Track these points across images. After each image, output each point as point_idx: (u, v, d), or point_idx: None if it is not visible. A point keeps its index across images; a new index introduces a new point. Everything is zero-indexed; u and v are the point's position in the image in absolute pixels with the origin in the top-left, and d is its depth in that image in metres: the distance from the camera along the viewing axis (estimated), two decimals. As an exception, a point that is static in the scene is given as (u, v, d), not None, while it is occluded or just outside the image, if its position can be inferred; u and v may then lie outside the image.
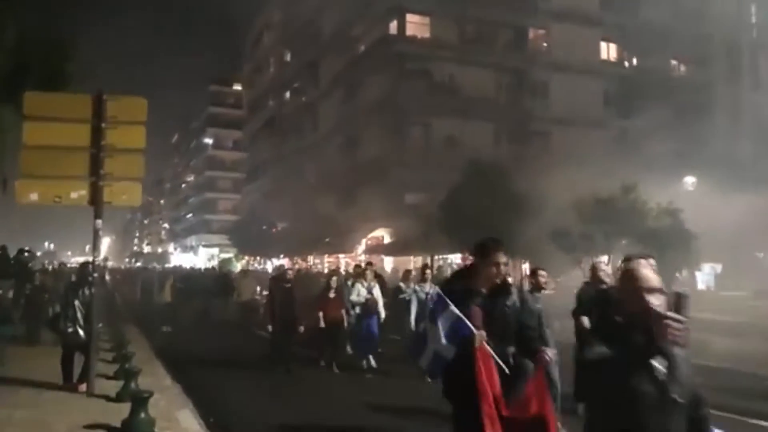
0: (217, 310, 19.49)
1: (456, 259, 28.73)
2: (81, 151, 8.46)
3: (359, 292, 11.77)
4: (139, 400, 6.34)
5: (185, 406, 7.92)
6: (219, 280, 19.75)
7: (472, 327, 4.03)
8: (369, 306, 11.63)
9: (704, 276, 27.16)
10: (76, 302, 8.44)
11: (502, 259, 4.23)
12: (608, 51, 40.32)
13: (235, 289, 18.64)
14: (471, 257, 4.97)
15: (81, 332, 8.44)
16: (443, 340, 4.07)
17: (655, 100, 37.57)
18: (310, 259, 42.33)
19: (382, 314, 11.84)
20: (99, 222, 8.34)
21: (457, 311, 4.06)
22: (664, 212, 15.33)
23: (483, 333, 4.03)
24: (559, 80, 36.82)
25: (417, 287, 11.16)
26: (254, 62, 62.32)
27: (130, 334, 13.15)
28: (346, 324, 11.78)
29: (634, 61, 40.97)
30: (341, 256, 38.43)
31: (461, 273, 4.78)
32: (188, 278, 21.00)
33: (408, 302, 11.64)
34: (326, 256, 39.58)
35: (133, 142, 8.60)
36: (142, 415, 6.27)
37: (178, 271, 26.79)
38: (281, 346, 11.00)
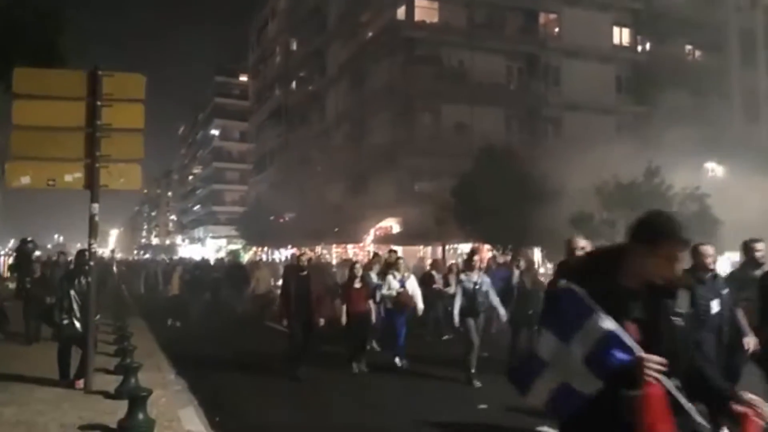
0: (230, 302, 18.73)
1: (466, 248, 28.13)
2: (75, 131, 7.92)
3: (390, 285, 10.53)
4: (137, 399, 5.80)
5: (188, 404, 7.40)
6: (232, 271, 18.82)
7: (637, 348, 2.50)
8: (401, 300, 10.48)
9: (721, 265, 26.38)
10: (72, 292, 7.91)
11: (682, 247, 2.65)
12: (621, 36, 39.43)
13: (252, 280, 17.92)
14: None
15: (77, 324, 7.92)
16: (581, 366, 2.57)
17: (669, 86, 36.86)
18: (318, 249, 41.79)
19: (420, 308, 10.86)
20: (95, 206, 7.80)
21: (612, 324, 2.52)
22: (689, 197, 14.67)
23: (657, 359, 2.48)
24: (571, 66, 36.03)
25: (463, 276, 9.65)
26: (260, 52, 61.66)
27: (134, 327, 12.59)
28: (373, 319, 10.69)
29: (647, 46, 40.09)
30: (349, 246, 37.90)
31: (597, 262, 2.85)
32: (197, 270, 19.68)
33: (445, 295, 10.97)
34: (334, 246, 39.02)
35: (132, 121, 8.04)
36: (140, 416, 5.73)
37: (185, 262, 25.80)
38: (301, 344, 9.67)
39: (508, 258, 17.76)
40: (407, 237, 30.53)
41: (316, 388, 9.03)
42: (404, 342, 10.54)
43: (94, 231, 7.86)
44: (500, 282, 13.23)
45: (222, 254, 55.97)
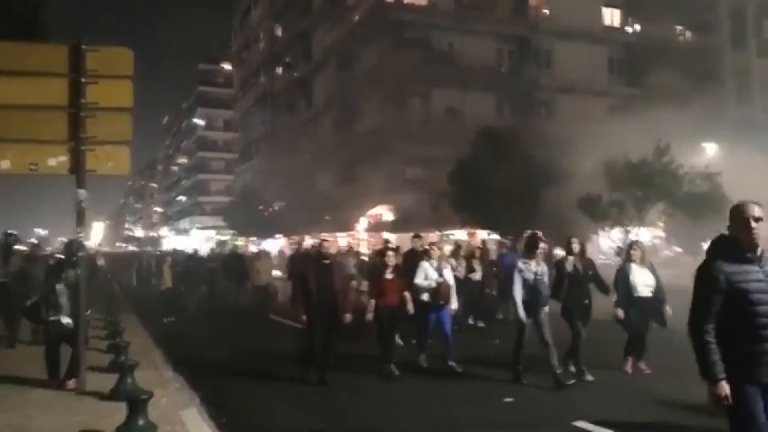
0: (228, 295, 17.70)
1: (462, 234, 27.66)
2: (58, 111, 7.28)
3: (427, 275, 9.15)
4: (137, 403, 5.23)
5: (190, 404, 6.81)
6: (230, 262, 17.61)
7: None
8: (441, 293, 9.05)
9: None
10: (59, 286, 7.28)
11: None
12: (611, 17, 38.98)
13: (252, 271, 16.84)
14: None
15: (66, 320, 7.31)
16: None
17: (661, 66, 36.56)
18: (308, 238, 41.15)
19: (454, 304, 9.44)
20: (82, 193, 7.18)
21: None
22: (700, 176, 14.19)
23: None
24: (562, 48, 35.54)
25: (521, 264, 8.16)
26: (243, 38, 60.61)
27: (126, 322, 11.93)
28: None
29: (638, 27, 39.68)
30: (340, 234, 37.31)
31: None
32: (190, 261, 18.38)
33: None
34: (324, 234, 38.41)
35: (119, 99, 7.41)
36: (141, 421, 5.16)
37: (176, 253, 24.40)
38: (323, 346, 8.31)
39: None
40: (401, 224, 29.99)
41: (327, 387, 8.22)
42: (453, 338, 9.28)
43: (81, 219, 7.24)
44: (505, 269, 12.72)
45: (211, 245, 55.23)
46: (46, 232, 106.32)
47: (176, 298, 16.17)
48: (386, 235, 31.00)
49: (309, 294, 8.20)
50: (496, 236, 28.91)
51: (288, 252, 32.18)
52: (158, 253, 34.75)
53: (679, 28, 40.99)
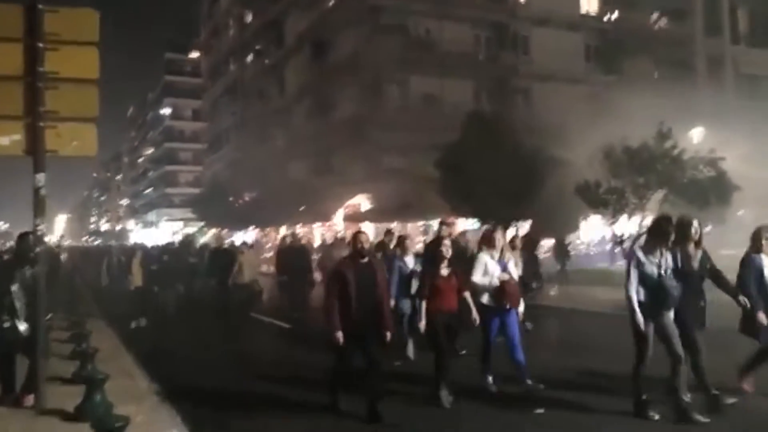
0: (208, 294, 15.48)
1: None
2: (12, 82, 6.25)
3: (487, 270, 7.20)
4: (108, 430, 4.28)
5: (171, 424, 5.87)
6: (216, 257, 15.33)
7: None
8: (507, 293, 7.13)
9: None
10: (14, 287, 6.25)
11: None
12: (589, 4, 38.52)
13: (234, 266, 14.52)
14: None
15: (22, 326, 6.28)
16: None
17: (637, 54, 36.33)
18: (282, 230, 40.08)
19: (522, 306, 7.57)
20: (41, 178, 6.17)
21: None
22: (703, 161, 13.48)
23: None
24: (540, 35, 35.00)
25: (641, 256, 6.16)
26: (212, 26, 58.94)
27: (92, 326, 10.80)
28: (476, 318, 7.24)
29: (615, 14, 39.30)
30: (315, 225, 36.38)
31: None
32: (165, 254, 15.83)
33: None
34: (299, 225, 37.34)
35: (83, 69, 6.39)
36: (115, 453, 4.22)
37: (147, 247, 20.89)
38: (371, 369, 6.37)
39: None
40: (380, 214, 29.15)
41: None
42: (523, 353, 7.20)
43: (40, 209, 6.22)
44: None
45: (181, 237, 53.69)
46: (7, 225, 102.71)
47: (148, 299, 14.12)
48: (365, 225, 30.21)
49: (347, 303, 6.26)
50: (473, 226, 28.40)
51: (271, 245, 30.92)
52: (126, 247, 33.07)
53: (654, 15, 40.69)
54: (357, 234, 6.75)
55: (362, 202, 32.11)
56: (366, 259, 6.55)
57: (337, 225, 33.01)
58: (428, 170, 22.90)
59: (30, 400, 6.26)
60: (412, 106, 31.61)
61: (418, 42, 32.30)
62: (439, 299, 6.93)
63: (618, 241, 12.81)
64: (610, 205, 13.13)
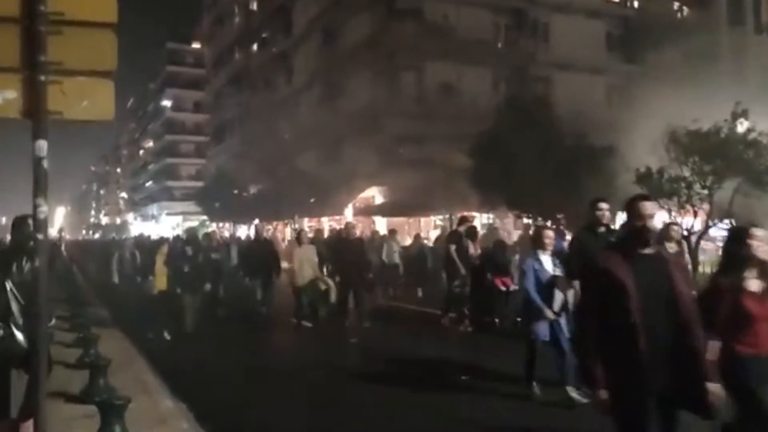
0: (246, 299, 12.94)
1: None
2: (6, 25, 4.89)
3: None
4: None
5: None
6: (256, 250, 12.65)
7: None
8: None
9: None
10: (8, 285, 4.90)
11: None
12: (610, -9, 37.24)
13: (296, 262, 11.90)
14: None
15: (19, 335, 4.95)
16: None
17: (659, 44, 35.05)
18: (292, 223, 38.83)
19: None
20: (42, 146, 4.81)
21: None
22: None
23: None
24: (559, 21, 33.71)
25: None
26: (215, 14, 57.42)
27: (100, 329, 9.43)
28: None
29: (635, 3, 38.06)
30: (324, 219, 35.05)
31: None
32: (188, 245, 11.71)
33: None
34: (306, 219, 36.05)
35: (97, 9, 5.03)
36: None
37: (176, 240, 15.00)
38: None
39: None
40: (394, 207, 27.84)
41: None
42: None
43: (41, 185, 4.87)
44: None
45: (180, 231, 52.43)
46: (3, 219, 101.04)
47: (173, 303, 11.25)
48: (378, 218, 28.92)
49: (627, 332, 3.42)
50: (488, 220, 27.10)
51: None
52: (146, 240, 29.30)
53: (676, 3, 39.44)
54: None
55: (375, 194, 30.80)
56: (652, 250, 3.64)
57: (348, 219, 31.71)
58: (448, 161, 21.62)
59: (29, 427, 4.94)
60: (429, 95, 30.29)
61: (434, 28, 30.90)
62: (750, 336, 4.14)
63: (686, 236, 11.62)
64: (677, 195, 11.84)
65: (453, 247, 11.19)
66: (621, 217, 17.60)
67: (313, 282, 11.73)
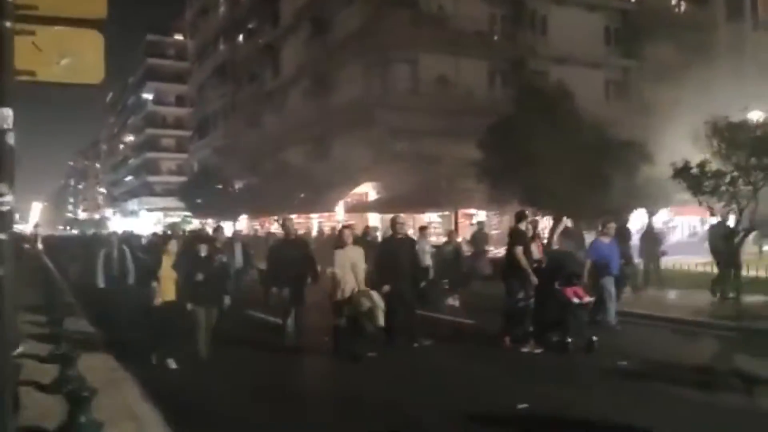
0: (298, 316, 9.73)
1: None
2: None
3: None
4: None
5: None
6: (279, 253, 9.89)
7: None
8: None
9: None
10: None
11: None
12: (607, -18, 36.33)
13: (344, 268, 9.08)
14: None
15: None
16: None
17: (657, 39, 34.35)
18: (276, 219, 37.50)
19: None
20: (5, 115, 3.60)
21: None
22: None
23: None
24: (558, 14, 32.77)
25: None
26: (200, 5, 55.78)
27: (85, 350, 7.52)
28: None
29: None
30: (313, 216, 33.85)
31: None
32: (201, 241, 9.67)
33: None
34: (295, 216, 34.70)
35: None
36: None
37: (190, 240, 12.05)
38: None
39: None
40: (388, 204, 26.67)
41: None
42: None
43: (5, 167, 3.67)
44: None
45: (161, 227, 50.85)
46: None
47: (183, 320, 8.79)
48: (373, 215, 27.75)
49: None
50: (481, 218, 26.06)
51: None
52: (144, 234, 26.29)
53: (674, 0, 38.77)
54: None
55: (368, 190, 29.64)
56: None
57: (339, 215, 30.53)
58: (452, 154, 20.54)
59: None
60: (423, 87, 29.19)
61: (428, 18, 29.77)
62: None
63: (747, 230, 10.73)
64: (720, 191, 10.86)
65: (519, 250, 8.98)
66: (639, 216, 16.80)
67: (357, 297, 8.63)
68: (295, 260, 9.51)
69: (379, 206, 27.48)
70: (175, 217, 58.46)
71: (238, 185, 41.75)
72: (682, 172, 11.21)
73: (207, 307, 8.78)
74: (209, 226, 45.26)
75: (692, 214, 27.00)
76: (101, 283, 11.19)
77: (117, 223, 79.72)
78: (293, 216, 34.05)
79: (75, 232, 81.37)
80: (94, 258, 11.53)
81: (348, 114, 30.05)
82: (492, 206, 16.75)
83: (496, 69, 31.79)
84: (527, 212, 8.43)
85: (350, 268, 8.72)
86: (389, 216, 26.32)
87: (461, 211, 25.27)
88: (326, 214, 31.80)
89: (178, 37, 73.62)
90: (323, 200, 29.49)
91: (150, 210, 72.39)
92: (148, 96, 77.19)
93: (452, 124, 26.32)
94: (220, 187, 40.79)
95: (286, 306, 9.68)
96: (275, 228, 29.79)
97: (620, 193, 12.97)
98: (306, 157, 34.76)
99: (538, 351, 8.97)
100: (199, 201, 41.09)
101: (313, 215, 33.54)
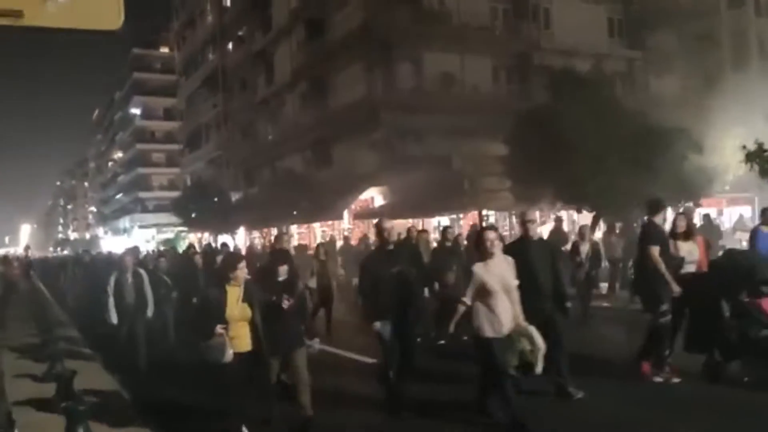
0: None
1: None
2: None
3: None
4: None
5: None
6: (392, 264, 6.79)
7: None
8: None
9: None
10: None
11: None
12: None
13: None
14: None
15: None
16: None
17: (660, 28, 33.56)
18: (275, 230, 36.17)
19: None
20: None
21: None
22: None
23: None
24: (561, 7, 31.82)
25: None
26: (186, 15, 54.49)
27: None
28: None
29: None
30: (316, 225, 32.57)
31: None
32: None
33: None
34: (296, 226, 33.43)
35: None
36: None
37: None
38: None
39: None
40: (396, 209, 25.42)
41: None
42: None
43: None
44: None
45: (154, 245, 49.43)
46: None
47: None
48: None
49: None
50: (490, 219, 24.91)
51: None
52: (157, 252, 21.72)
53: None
54: None
55: (375, 195, 28.38)
56: None
57: (344, 223, 29.28)
58: (473, 153, 19.30)
59: None
60: (428, 86, 28.05)
61: (431, 14, 28.67)
62: None
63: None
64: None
65: (656, 251, 6.86)
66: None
67: (516, 335, 5.93)
68: (403, 279, 6.54)
69: (385, 212, 26.21)
70: (168, 233, 57.09)
71: (234, 197, 40.49)
72: (754, 156, 10.06)
73: (290, 351, 6.13)
74: (205, 240, 44.18)
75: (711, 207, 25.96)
76: (113, 318, 8.92)
77: (108, 242, 78.09)
78: (294, 226, 33.23)
79: (66, 252, 79.72)
80: (104, 286, 8.91)
81: (349, 117, 28.84)
82: (521, 205, 15.51)
83: (501, 64, 30.77)
84: (662, 202, 6.90)
85: (503, 291, 5.92)
86: (397, 222, 25.17)
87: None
88: (330, 222, 30.57)
89: (164, 50, 72.32)
90: (327, 208, 28.16)
91: (142, 227, 70.79)
92: (135, 111, 75.67)
93: (462, 122, 25.22)
94: (215, 199, 39.50)
95: (390, 345, 6.56)
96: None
97: (669, 184, 11.81)
98: (306, 164, 33.55)
99: (676, 380, 7.14)
100: (194, 215, 39.74)
101: (316, 224, 32.28)
